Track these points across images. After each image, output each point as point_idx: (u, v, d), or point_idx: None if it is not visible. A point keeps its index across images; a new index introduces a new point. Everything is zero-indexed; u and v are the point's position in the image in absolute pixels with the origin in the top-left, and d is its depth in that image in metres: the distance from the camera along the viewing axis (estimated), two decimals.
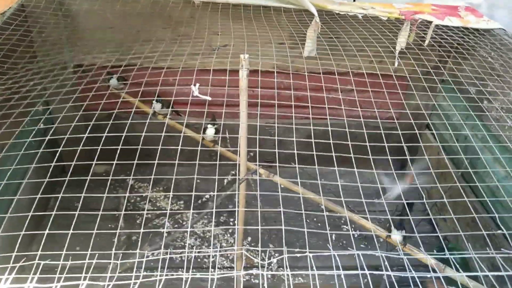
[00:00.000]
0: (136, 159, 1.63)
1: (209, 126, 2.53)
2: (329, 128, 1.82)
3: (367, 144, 1.83)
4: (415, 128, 2.08)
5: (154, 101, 2.77)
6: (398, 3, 2.98)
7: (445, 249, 1.37)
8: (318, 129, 1.88)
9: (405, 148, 1.91)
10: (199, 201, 3.27)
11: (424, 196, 1.66)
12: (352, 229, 3.24)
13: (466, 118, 2.90)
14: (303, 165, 1.75)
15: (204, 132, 2.49)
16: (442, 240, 1.59)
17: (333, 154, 1.69)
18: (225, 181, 3.34)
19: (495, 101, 2.60)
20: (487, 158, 2.50)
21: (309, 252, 1.15)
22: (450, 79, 2.65)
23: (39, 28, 2.59)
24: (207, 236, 3.07)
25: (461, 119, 2.45)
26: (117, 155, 1.58)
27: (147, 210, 3.16)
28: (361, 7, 2.89)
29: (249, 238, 3.00)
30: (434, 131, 3.34)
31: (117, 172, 1.70)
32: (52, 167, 1.65)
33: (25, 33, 2.48)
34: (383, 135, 1.86)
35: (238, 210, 1.91)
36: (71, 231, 1.23)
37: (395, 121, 2.05)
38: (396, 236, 2.10)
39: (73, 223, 1.32)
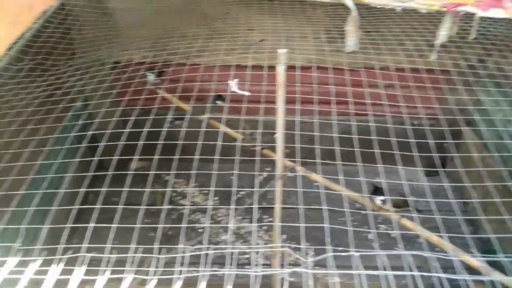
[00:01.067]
0: (175, 156, 1.63)
1: None
2: (371, 124, 1.76)
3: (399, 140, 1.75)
4: (451, 127, 1.98)
5: (147, 73, 2.72)
6: None
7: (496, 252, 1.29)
8: (357, 125, 1.84)
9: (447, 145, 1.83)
10: (235, 197, 3.26)
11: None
12: (390, 229, 3.16)
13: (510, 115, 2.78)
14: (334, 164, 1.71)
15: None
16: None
17: (376, 150, 1.64)
18: (261, 177, 3.32)
19: None
20: None
21: (355, 252, 1.12)
22: (493, 73, 2.53)
23: (78, 26, 2.65)
24: (241, 232, 3.07)
25: (504, 116, 2.34)
26: (159, 152, 1.58)
27: (185, 205, 3.19)
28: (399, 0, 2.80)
29: (284, 236, 2.98)
30: (477, 128, 3.21)
31: (153, 167, 1.71)
32: (92, 162, 1.68)
33: (66, 31, 2.54)
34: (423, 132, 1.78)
35: (276, 207, 1.89)
36: (116, 225, 1.23)
37: (435, 117, 1.97)
38: (377, 200, 2.07)
39: (117, 217, 1.33)
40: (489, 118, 2.32)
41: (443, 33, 2.66)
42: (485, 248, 2.86)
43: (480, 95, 3.08)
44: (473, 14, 2.63)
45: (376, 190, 2.09)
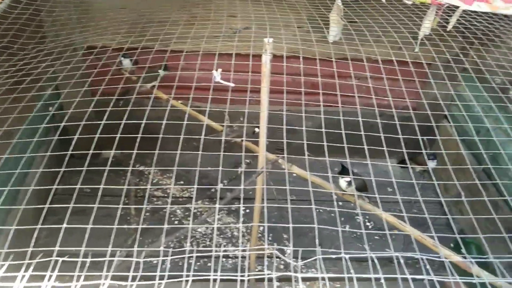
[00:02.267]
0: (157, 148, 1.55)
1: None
2: (360, 118, 1.72)
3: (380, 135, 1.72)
4: (432, 120, 1.96)
5: (121, 56, 2.68)
6: None
7: (488, 252, 1.28)
8: (332, 118, 1.79)
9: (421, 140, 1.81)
10: (213, 190, 3.20)
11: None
12: (367, 220, 3.18)
13: (489, 110, 2.80)
14: (317, 154, 1.66)
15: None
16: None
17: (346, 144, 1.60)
18: (239, 170, 3.26)
19: None
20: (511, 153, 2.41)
21: (345, 253, 1.07)
22: (473, 67, 2.53)
23: (48, 8, 2.49)
24: (219, 224, 3.02)
25: (483, 110, 2.35)
26: (137, 143, 1.50)
27: (158, 197, 3.10)
28: None
29: (261, 228, 2.94)
30: (453, 123, 3.24)
31: (127, 157, 1.63)
32: (61, 153, 1.58)
33: (35, 12, 2.38)
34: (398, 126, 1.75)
35: (255, 206, 1.84)
36: (91, 225, 1.15)
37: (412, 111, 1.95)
38: (342, 182, 2.12)
39: (92, 216, 1.24)
40: (466, 114, 2.32)
41: (426, 25, 2.64)
42: (458, 241, 2.91)
43: (458, 90, 3.10)
44: (457, 7, 2.63)
45: (343, 171, 2.11)
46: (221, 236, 2.99)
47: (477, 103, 2.82)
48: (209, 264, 2.65)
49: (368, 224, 3.17)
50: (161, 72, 2.71)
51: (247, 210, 3.12)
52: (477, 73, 2.51)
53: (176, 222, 3.02)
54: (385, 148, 1.57)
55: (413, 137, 1.76)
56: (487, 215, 2.15)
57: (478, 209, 2.78)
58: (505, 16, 2.63)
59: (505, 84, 2.46)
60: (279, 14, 2.48)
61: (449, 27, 2.64)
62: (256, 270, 2.60)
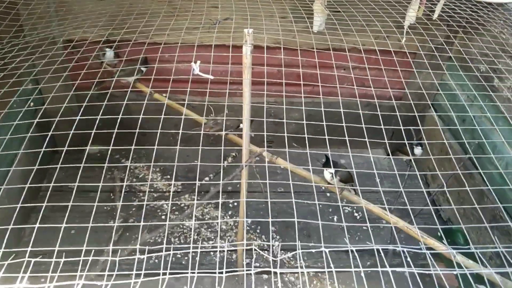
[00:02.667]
0: (134, 142, 1.52)
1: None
2: (343, 110, 1.69)
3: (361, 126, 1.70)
4: (416, 110, 1.94)
5: (106, 48, 2.67)
6: None
7: (470, 243, 1.27)
8: (318, 109, 1.77)
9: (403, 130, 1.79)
10: (199, 184, 3.17)
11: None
12: (354, 211, 3.17)
13: (474, 98, 2.80)
14: (302, 146, 1.64)
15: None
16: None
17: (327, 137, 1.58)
18: (225, 163, 3.24)
19: (507, 80, 2.49)
20: (496, 141, 2.42)
21: (325, 247, 1.06)
22: (458, 56, 2.53)
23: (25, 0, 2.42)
24: (206, 218, 2.99)
25: (468, 99, 2.35)
26: (113, 137, 1.46)
27: (145, 192, 3.06)
28: None
29: (249, 221, 2.92)
30: (440, 110, 3.24)
31: (111, 152, 1.60)
32: (43, 150, 1.54)
33: (10, 5, 2.32)
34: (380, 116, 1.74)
35: (241, 201, 1.82)
36: (64, 224, 1.12)
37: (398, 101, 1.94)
38: (326, 174, 2.11)
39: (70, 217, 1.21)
40: (451, 103, 2.33)
41: (411, 14, 2.62)
42: (445, 230, 2.94)
43: (443, 79, 3.10)
44: None
45: (327, 163, 2.10)
46: (209, 230, 2.97)
47: (461, 92, 2.83)
48: (197, 259, 2.64)
49: (356, 214, 3.17)
50: (109, 53, 2.68)
51: (235, 204, 3.10)
52: (462, 62, 2.51)
53: (163, 217, 3.00)
54: (367, 140, 1.55)
55: (396, 127, 1.75)
56: (472, 203, 2.16)
57: (465, 197, 2.81)
58: (489, 4, 2.62)
59: (489, 72, 2.46)
60: (260, 4, 2.44)
61: (435, 15, 2.63)
62: (245, 262, 2.60)
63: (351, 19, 2.33)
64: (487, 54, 2.31)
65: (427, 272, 1.08)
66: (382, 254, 1.10)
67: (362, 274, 0.99)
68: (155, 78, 1.85)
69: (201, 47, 2.02)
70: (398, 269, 1.01)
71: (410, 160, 3.33)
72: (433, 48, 2.35)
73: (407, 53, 2.69)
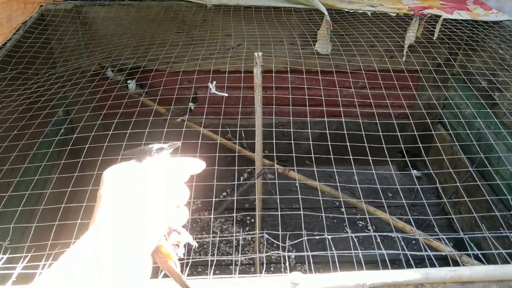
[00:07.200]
0: None
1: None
2: (344, 131, 1.85)
3: (381, 145, 1.86)
4: (415, 129, 2.08)
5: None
6: None
7: (459, 230, 1.39)
8: (329, 128, 1.93)
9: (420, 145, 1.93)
10: (216, 199, 3.32)
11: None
12: (368, 225, 3.26)
13: (478, 111, 2.92)
14: (317, 164, 1.79)
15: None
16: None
17: (351, 156, 1.73)
18: (241, 178, 3.40)
19: (506, 91, 2.61)
20: (501, 149, 2.52)
21: (328, 235, 1.20)
22: (460, 71, 2.67)
23: (58, 36, 2.69)
24: (225, 234, 3.13)
25: (472, 111, 2.47)
26: None
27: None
28: (369, 4, 2.93)
29: (266, 236, 3.04)
30: (447, 125, 3.35)
31: None
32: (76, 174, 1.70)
33: (46, 41, 2.58)
34: (395, 133, 1.88)
35: (256, 214, 1.98)
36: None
37: (408, 120, 2.09)
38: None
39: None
40: (457, 116, 2.44)
41: (411, 35, 2.80)
42: (458, 240, 3.00)
43: (449, 94, 3.23)
44: (439, 16, 2.78)
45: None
46: (228, 245, 3.11)
47: (465, 110, 2.95)
48: (217, 272, 2.76)
49: (370, 228, 3.26)
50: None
51: (252, 220, 3.24)
52: (463, 81, 2.65)
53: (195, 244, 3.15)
54: (369, 158, 1.70)
55: (399, 146, 1.89)
56: (482, 212, 2.28)
57: (476, 207, 2.88)
58: (485, 22, 2.78)
59: (492, 90, 2.58)
60: (270, 32, 2.65)
61: (435, 35, 2.79)
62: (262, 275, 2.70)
63: (354, 43, 2.52)
64: (488, 68, 2.44)
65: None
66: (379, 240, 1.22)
67: (361, 256, 1.12)
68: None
69: (215, 72, 2.22)
70: (393, 252, 1.14)
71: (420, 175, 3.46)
72: (437, 65, 2.50)
73: (412, 72, 2.85)
